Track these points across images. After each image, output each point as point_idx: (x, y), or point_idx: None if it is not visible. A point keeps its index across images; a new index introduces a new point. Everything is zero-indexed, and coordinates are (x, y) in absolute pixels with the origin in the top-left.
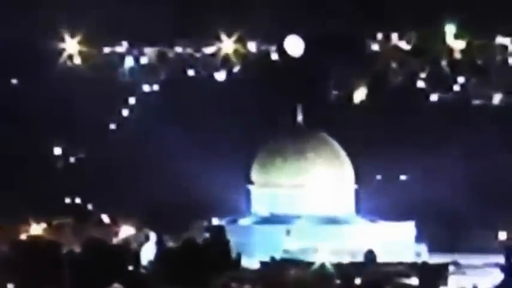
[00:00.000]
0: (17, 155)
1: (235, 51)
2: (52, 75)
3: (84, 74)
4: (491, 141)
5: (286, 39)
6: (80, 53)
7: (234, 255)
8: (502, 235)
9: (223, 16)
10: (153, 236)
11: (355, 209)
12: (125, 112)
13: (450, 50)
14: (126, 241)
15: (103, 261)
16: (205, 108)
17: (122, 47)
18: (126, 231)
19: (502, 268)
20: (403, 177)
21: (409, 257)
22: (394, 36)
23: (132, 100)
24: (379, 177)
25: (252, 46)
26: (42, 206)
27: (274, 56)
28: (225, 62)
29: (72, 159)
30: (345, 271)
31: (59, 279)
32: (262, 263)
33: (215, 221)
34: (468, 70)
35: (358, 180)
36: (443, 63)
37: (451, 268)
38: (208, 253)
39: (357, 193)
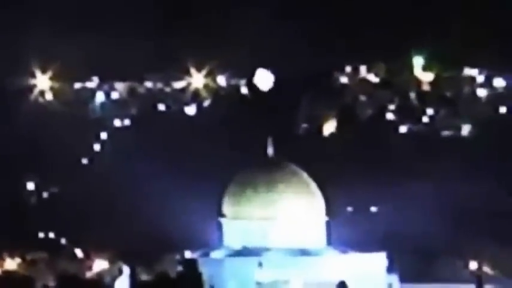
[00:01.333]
0: None
1: (205, 86)
2: (24, 110)
3: (56, 109)
4: (460, 172)
5: (255, 73)
6: (51, 88)
7: None
8: (473, 264)
9: (193, 51)
10: (126, 269)
11: (326, 240)
12: (97, 147)
13: (418, 82)
14: (100, 275)
15: None
16: (176, 142)
17: (93, 83)
18: (99, 265)
19: None
20: (373, 209)
21: None
22: (363, 69)
23: (103, 135)
24: (350, 208)
25: (221, 80)
26: (16, 241)
27: (244, 90)
28: (195, 96)
29: (45, 194)
30: None
31: None
32: None
33: (188, 254)
34: (437, 102)
35: (329, 212)
36: (412, 95)
37: None
38: (181, 286)
39: (328, 225)
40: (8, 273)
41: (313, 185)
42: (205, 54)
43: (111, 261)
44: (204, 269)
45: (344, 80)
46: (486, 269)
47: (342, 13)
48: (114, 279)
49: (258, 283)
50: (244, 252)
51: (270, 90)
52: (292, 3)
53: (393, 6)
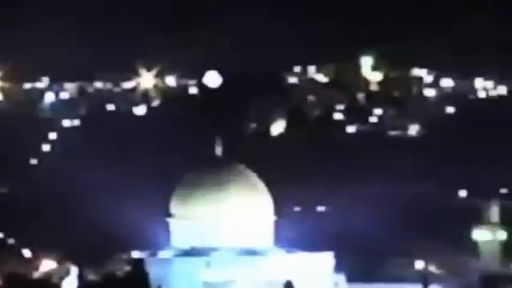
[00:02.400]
0: None
1: (155, 86)
2: None
3: (5, 109)
4: (407, 172)
5: (205, 73)
6: (1, 89)
7: None
8: (419, 264)
9: (142, 51)
10: (74, 269)
11: (273, 240)
12: (46, 147)
13: (367, 82)
14: (48, 275)
15: None
16: (125, 142)
17: (42, 83)
18: (47, 265)
19: None
20: (321, 208)
21: (327, 287)
22: (311, 69)
23: (52, 135)
24: (297, 208)
25: (171, 80)
26: None
27: (193, 90)
28: (144, 97)
29: None
30: None
31: None
32: None
33: (135, 254)
34: (384, 102)
35: (276, 211)
36: (360, 95)
37: None
38: (128, 286)
39: (276, 224)
40: None
41: (261, 185)
42: (154, 55)
43: (59, 262)
44: (152, 269)
45: (293, 80)
46: (432, 268)
47: (291, 13)
48: (61, 279)
49: (206, 283)
50: (192, 252)
51: (219, 91)
52: (241, 3)
53: (342, 6)
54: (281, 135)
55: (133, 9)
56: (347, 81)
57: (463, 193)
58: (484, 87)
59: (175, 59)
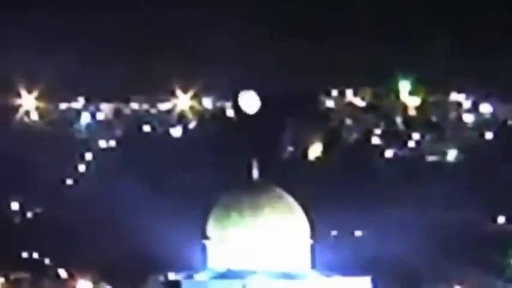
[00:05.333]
0: None
1: (191, 107)
2: (9, 130)
3: (41, 129)
4: (445, 197)
5: (240, 95)
6: (37, 108)
7: None
8: None
9: (179, 72)
10: None
11: (310, 264)
12: (82, 168)
13: (404, 107)
14: None
15: None
16: (161, 164)
17: (79, 103)
18: (83, 285)
19: None
20: (358, 233)
21: None
22: (349, 93)
23: (88, 156)
24: (334, 232)
25: (207, 102)
26: (0, 261)
27: (230, 112)
28: (181, 118)
29: (29, 214)
30: None
31: None
32: None
33: (171, 276)
34: (422, 126)
35: (313, 235)
36: (398, 119)
37: None
38: None
39: (313, 248)
40: None
41: (298, 208)
42: (191, 76)
43: (95, 282)
44: None
45: (330, 103)
46: None
47: (328, 35)
48: None
49: None
50: (228, 274)
51: (256, 113)
52: (278, 26)
53: (379, 30)
54: (318, 158)
55: (169, 29)
56: (384, 105)
57: (501, 219)
58: None
59: (212, 81)
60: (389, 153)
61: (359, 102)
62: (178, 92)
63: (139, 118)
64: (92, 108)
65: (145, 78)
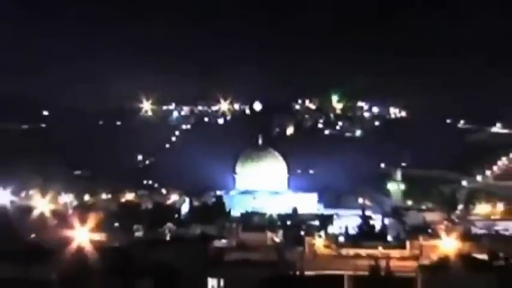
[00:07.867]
0: None
1: (228, 109)
2: (137, 121)
3: (152, 121)
4: (355, 154)
5: (254, 102)
6: (152, 110)
7: None
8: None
9: (222, 89)
10: (187, 199)
11: (287, 186)
12: (173, 139)
13: (334, 108)
14: (173, 203)
15: None
16: (212, 137)
17: (172, 106)
18: (173, 197)
19: None
20: (311, 171)
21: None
22: (307, 101)
23: (177, 133)
24: (299, 170)
25: (236, 106)
26: (131, 185)
27: (247, 111)
28: (223, 114)
29: (147, 162)
30: None
31: None
32: None
33: (217, 192)
34: (343, 118)
35: (288, 171)
36: (331, 115)
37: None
38: (214, 209)
39: (288, 179)
40: (127, 201)
41: (281, 159)
42: (227, 88)
43: (179, 195)
44: (226, 200)
45: (297, 106)
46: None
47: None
48: (181, 204)
49: (253, 207)
50: (246, 192)
51: (259, 112)
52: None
53: (327, 66)
54: (291, 135)
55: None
56: (325, 107)
57: (382, 165)
58: None
59: (238, 91)
60: (326, 132)
61: (312, 106)
62: (221, 100)
63: (202, 114)
64: (178, 108)
65: (208, 92)
